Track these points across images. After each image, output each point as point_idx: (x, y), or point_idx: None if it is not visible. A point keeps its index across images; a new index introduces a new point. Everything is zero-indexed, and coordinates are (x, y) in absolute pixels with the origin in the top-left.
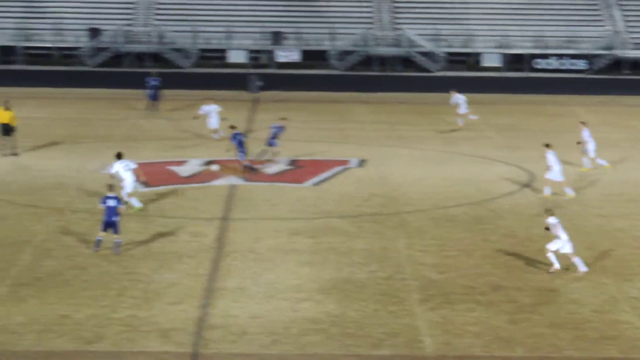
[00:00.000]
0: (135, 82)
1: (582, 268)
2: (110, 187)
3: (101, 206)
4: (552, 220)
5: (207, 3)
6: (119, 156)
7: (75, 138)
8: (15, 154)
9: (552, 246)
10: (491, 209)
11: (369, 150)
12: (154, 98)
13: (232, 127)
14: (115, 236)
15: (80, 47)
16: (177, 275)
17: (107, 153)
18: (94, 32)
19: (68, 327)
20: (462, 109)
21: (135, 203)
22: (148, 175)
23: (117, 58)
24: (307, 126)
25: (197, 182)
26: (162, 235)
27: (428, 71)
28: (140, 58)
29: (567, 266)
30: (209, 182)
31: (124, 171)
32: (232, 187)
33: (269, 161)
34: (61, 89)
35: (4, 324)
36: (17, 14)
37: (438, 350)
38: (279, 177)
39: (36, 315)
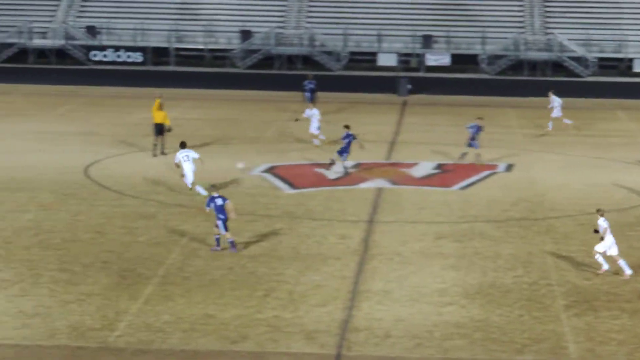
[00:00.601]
0: (285, 84)
1: (627, 271)
2: (214, 187)
3: (208, 209)
4: (602, 222)
5: (358, 6)
6: (182, 145)
7: (225, 139)
8: (164, 154)
9: (599, 248)
10: (638, 216)
11: (517, 154)
12: (311, 100)
13: (346, 127)
14: (227, 235)
15: (231, 49)
16: (322, 277)
17: (256, 155)
18: (246, 34)
19: (213, 326)
20: (556, 113)
21: (201, 191)
22: (296, 177)
23: (268, 60)
24: (455, 130)
25: (345, 185)
26: (308, 237)
27: (579, 76)
28: (291, 60)
29: (616, 270)
30: (356, 185)
31: (184, 161)
32: (380, 190)
33: (473, 164)
34: (212, 90)
35: (151, 322)
36: (171, 15)
37: (582, 357)
38: (426, 180)
39: (182, 314)
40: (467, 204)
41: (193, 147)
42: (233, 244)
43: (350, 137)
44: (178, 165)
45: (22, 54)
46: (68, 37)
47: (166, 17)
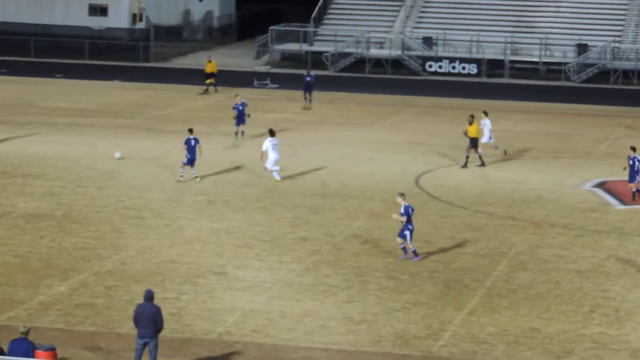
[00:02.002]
0: (621, 99)
1: None
2: (402, 196)
3: (404, 217)
4: None
5: None
6: (271, 133)
7: (555, 152)
8: (482, 165)
9: None
10: None
11: None
12: None
13: (633, 149)
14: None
15: (566, 63)
16: None
17: (586, 169)
18: (582, 48)
19: (537, 340)
20: None
21: (276, 176)
22: (628, 193)
23: (604, 74)
24: None
25: None
26: (638, 254)
27: None
28: (627, 75)
29: None
30: None
31: (272, 149)
32: None
33: None
34: (545, 103)
35: (475, 333)
36: (506, 27)
37: None
38: None
39: (507, 326)
40: None
41: (522, 160)
42: (415, 253)
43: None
44: (264, 153)
45: (359, 63)
46: (405, 47)
47: (502, 30)
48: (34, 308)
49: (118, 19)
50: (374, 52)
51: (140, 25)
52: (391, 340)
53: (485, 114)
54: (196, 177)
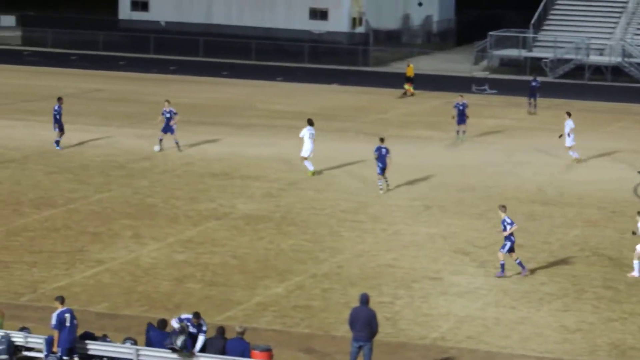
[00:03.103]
0: None
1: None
2: (504, 208)
3: (506, 231)
4: None
5: None
6: (309, 122)
7: None
8: None
9: None
10: None
11: None
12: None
13: None
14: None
15: None
16: None
17: None
18: None
19: None
20: None
21: (309, 166)
22: None
23: None
24: None
25: None
26: None
27: None
28: None
29: None
30: None
31: (308, 137)
32: None
33: None
34: None
35: None
36: None
37: None
38: None
39: None
40: None
41: None
42: (502, 267)
43: None
44: (301, 139)
45: (579, 70)
46: (625, 54)
47: None
48: (251, 309)
49: (338, 22)
50: (594, 58)
51: (360, 29)
52: (607, 350)
53: None
54: (381, 189)
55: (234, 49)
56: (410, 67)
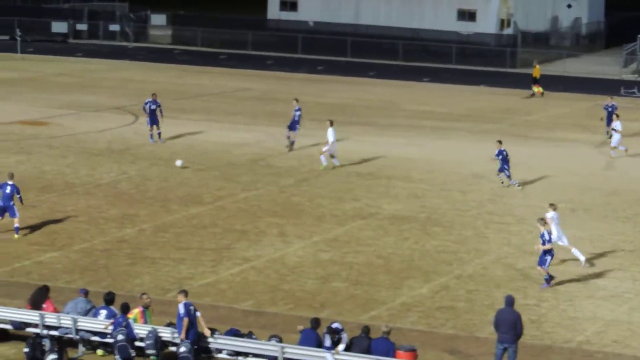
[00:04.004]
0: None
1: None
2: (542, 221)
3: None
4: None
5: None
6: (331, 123)
7: None
8: None
9: None
10: None
11: None
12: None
13: None
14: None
15: None
16: None
17: None
18: None
19: None
20: None
21: (323, 161)
22: None
23: None
24: None
25: None
26: None
27: None
28: None
29: None
30: None
31: (331, 136)
32: None
33: None
34: None
35: None
36: None
37: None
38: None
39: None
40: None
41: None
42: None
43: None
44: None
45: None
46: None
47: None
48: (396, 309)
49: (486, 24)
50: None
51: (508, 30)
52: None
53: None
54: (508, 183)
55: (381, 50)
56: (537, 68)
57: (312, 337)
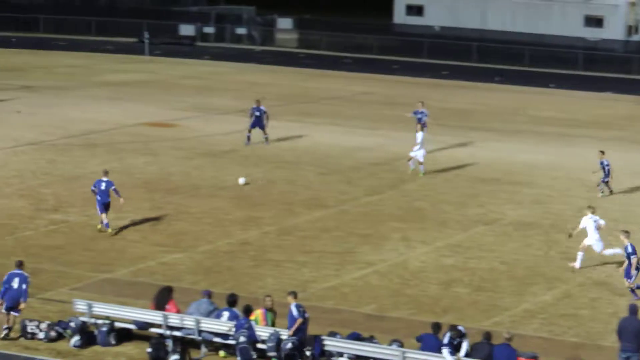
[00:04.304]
0: None
1: None
2: (626, 234)
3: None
4: None
5: None
6: (422, 127)
7: None
8: None
9: None
10: None
11: None
12: None
13: None
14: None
15: None
16: None
17: None
18: None
19: None
20: None
21: (412, 165)
22: None
23: None
24: None
25: None
26: None
27: None
28: None
29: None
30: None
31: (420, 142)
32: None
33: None
34: None
35: None
36: None
37: None
38: None
39: None
40: None
41: None
42: (632, 291)
43: None
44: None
45: None
46: None
47: None
48: (519, 315)
49: (613, 30)
50: None
51: (636, 37)
52: None
53: None
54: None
55: (506, 55)
56: None
57: (433, 342)
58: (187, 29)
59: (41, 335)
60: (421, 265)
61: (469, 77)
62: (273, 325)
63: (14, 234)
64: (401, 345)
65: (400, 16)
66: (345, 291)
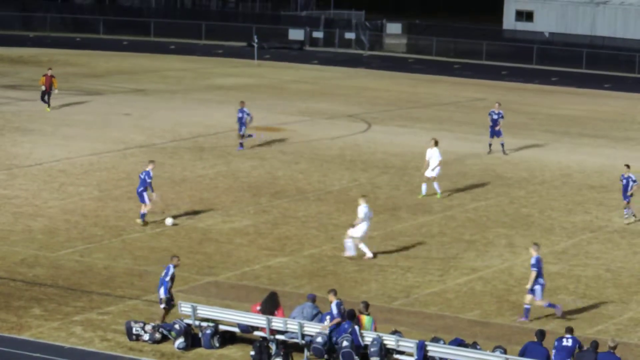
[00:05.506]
0: None
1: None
2: (536, 246)
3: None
4: None
5: None
6: (435, 143)
7: None
8: None
9: None
10: None
11: None
12: None
13: None
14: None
15: None
16: None
17: None
18: None
19: None
20: None
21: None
22: None
23: None
24: None
25: None
26: None
27: None
28: None
29: None
30: None
31: (436, 157)
32: None
33: None
34: None
35: None
36: None
37: None
38: None
39: None
40: None
41: None
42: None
43: None
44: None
45: None
46: None
47: None
48: (623, 323)
49: None
50: None
51: None
52: None
53: None
54: (628, 217)
55: (617, 61)
56: None
57: (538, 351)
58: (296, 34)
59: (146, 336)
60: (526, 272)
61: (578, 83)
62: (375, 330)
63: (121, 235)
64: (504, 351)
65: (509, 22)
66: (449, 297)
